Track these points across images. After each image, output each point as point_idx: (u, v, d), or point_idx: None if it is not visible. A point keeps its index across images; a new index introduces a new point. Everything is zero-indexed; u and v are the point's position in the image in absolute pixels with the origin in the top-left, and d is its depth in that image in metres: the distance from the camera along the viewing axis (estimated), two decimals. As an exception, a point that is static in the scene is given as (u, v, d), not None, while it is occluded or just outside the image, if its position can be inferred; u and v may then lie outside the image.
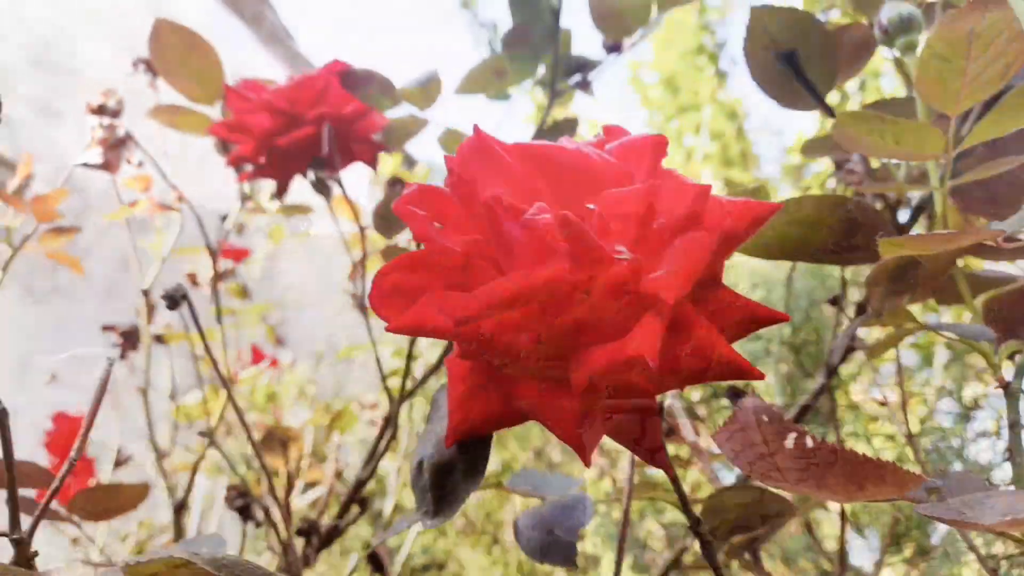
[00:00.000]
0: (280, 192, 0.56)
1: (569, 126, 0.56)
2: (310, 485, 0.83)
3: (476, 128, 0.24)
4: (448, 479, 0.25)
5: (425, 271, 0.25)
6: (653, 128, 2.82)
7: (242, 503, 0.45)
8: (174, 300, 0.35)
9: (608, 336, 0.21)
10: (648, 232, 0.22)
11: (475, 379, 0.24)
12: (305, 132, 0.53)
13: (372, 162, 0.58)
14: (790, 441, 0.22)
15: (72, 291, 2.72)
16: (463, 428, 0.24)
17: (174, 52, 0.58)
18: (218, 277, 0.64)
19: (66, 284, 2.71)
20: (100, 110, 0.70)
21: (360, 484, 0.53)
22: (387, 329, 0.23)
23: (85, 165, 0.61)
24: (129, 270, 3.23)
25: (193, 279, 0.84)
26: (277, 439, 0.70)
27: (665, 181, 0.23)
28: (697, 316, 0.22)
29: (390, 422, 0.53)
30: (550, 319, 0.22)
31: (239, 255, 0.99)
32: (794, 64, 0.41)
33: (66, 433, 1.03)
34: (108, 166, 0.60)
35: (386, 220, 0.57)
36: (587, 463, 0.21)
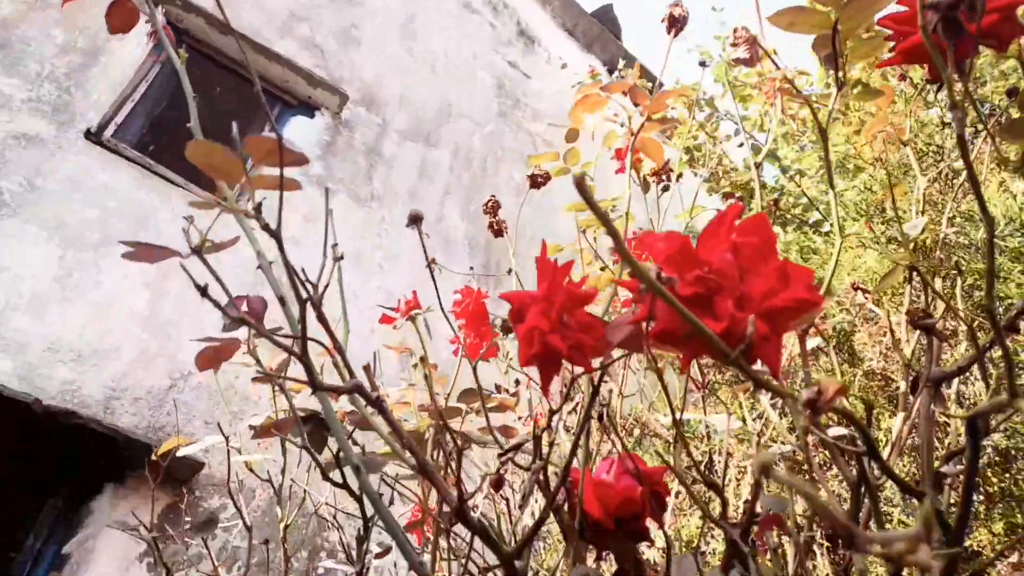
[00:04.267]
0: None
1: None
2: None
3: None
4: None
5: None
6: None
7: (929, 322, 0.52)
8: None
9: None
10: None
11: None
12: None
13: None
14: None
15: (383, 196, 3.29)
16: None
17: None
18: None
19: (379, 191, 3.28)
20: (675, 21, 0.90)
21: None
22: None
23: (737, 61, 0.78)
24: (424, 176, 3.77)
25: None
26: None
27: None
28: None
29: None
30: None
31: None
32: None
33: (470, 301, 1.39)
34: (750, 61, 0.77)
35: None
36: None
